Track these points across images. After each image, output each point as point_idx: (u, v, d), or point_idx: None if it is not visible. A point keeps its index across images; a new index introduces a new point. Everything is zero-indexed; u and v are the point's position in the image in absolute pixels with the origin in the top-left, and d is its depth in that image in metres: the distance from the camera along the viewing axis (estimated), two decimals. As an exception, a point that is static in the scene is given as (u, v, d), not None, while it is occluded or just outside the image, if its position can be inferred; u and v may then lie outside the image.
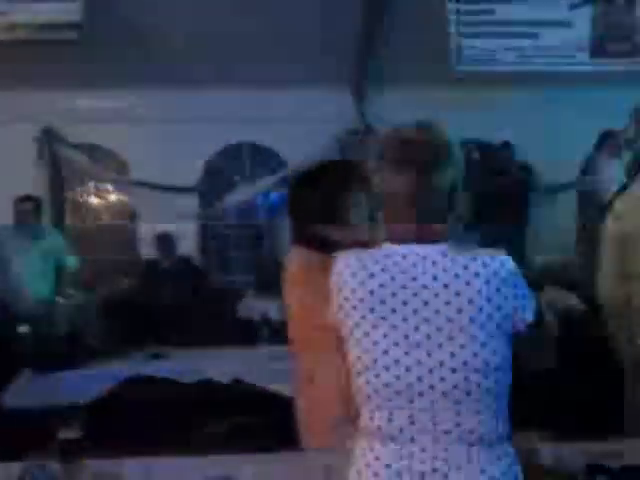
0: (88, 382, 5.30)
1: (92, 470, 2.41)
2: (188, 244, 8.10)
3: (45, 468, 2.37)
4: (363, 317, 1.84)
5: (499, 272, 1.84)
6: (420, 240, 1.87)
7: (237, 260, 8.76)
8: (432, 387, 1.80)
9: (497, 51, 7.01)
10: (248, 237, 8.81)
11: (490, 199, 6.48)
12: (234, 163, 8.63)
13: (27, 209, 6.66)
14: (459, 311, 1.81)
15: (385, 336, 1.82)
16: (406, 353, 1.81)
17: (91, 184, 8.60)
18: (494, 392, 1.82)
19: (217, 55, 7.23)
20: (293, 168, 7.74)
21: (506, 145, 8.02)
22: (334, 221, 2.51)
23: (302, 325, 2.55)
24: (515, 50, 7.04)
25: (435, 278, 1.83)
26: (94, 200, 8.68)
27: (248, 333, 6.86)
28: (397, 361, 1.81)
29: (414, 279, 1.83)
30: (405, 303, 1.82)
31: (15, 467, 2.41)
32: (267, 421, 4.47)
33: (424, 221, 1.88)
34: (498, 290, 1.83)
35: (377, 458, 1.82)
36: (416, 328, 1.81)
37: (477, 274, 1.83)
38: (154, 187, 8.01)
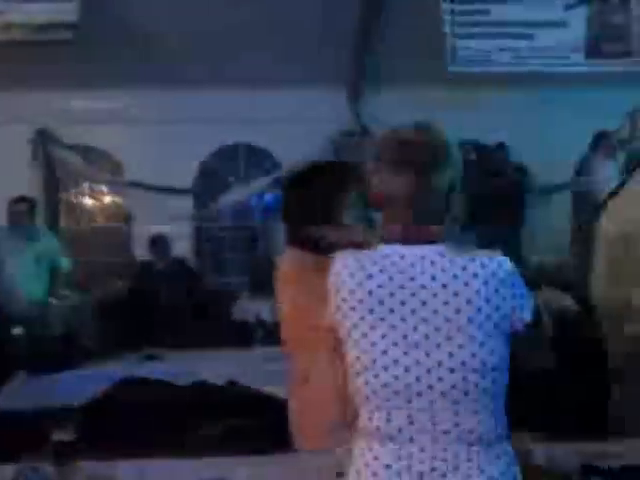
0: (82, 384, 5.27)
1: (86, 472, 2.40)
2: (182, 246, 8.09)
3: (39, 470, 2.35)
4: (362, 318, 1.83)
5: (497, 273, 1.85)
6: (418, 241, 1.87)
7: (232, 262, 8.76)
8: (431, 387, 1.79)
9: (492, 52, 7.02)
10: (243, 239, 8.79)
11: (485, 200, 6.47)
12: (229, 164, 8.63)
13: (21, 210, 6.64)
14: (457, 311, 1.81)
15: (384, 336, 1.81)
16: (405, 353, 1.80)
17: (86, 185, 8.59)
18: (492, 392, 1.82)
19: (212, 56, 7.24)
20: (287, 169, 7.74)
21: (501, 146, 8.03)
22: (328, 222, 2.51)
23: (295, 325, 2.55)
24: (510, 51, 7.05)
25: (434, 278, 1.82)
26: (89, 201, 8.67)
27: (243, 335, 6.86)
28: (396, 361, 1.80)
29: (412, 279, 1.82)
30: (403, 303, 1.81)
31: (8, 469, 2.39)
32: (262, 423, 4.46)
33: (422, 222, 1.88)
34: (496, 291, 1.83)
35: (376, 458, 1.82)
36: (415, 328, 1.81)
37: (475, 275, 1.83)
38: (149, 188, 8.01)
